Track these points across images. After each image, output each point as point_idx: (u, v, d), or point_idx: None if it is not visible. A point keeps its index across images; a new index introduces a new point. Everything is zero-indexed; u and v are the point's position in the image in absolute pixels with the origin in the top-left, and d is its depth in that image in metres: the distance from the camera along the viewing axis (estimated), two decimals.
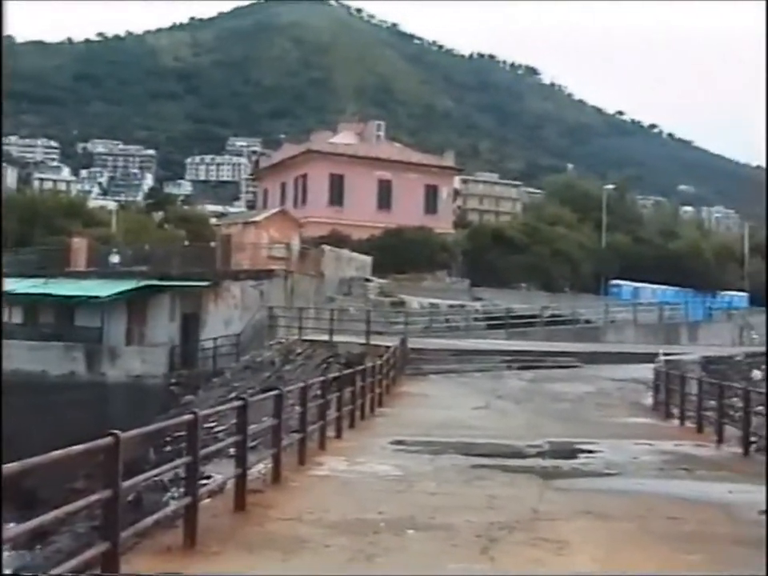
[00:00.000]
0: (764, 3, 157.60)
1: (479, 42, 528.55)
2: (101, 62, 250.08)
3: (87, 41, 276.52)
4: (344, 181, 73.08)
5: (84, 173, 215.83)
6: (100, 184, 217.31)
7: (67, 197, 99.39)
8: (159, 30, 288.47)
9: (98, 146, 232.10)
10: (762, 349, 42.42)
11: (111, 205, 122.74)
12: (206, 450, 10.21)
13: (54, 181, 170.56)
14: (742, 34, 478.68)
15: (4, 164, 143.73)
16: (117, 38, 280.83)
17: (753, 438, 17.43)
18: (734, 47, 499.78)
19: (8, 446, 21.42)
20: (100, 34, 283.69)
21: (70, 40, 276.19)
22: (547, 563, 8.81)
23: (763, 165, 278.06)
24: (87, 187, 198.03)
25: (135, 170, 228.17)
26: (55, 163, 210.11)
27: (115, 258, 52.87)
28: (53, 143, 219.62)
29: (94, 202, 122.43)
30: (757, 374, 33.15)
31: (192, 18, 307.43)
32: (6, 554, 6.41)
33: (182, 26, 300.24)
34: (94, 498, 7.09)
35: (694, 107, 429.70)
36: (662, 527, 10.53)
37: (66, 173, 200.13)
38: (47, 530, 15.87)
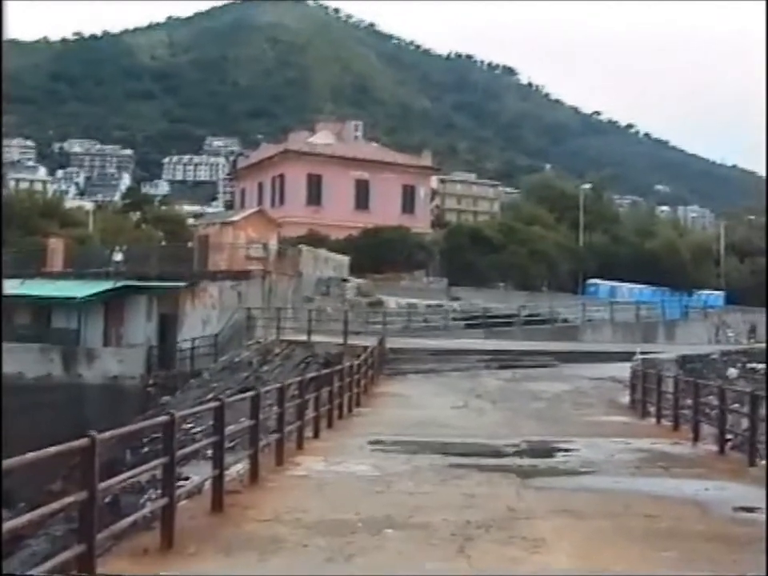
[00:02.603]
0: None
1: (457, 41, 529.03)
2: (77, 61, 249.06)
3: (63, 40, 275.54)
4: (321, 181, 73.09)
5: (60, 173, 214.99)
6: (77, 184, 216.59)
7: (43, 197, 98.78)
8: (136, 30, 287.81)
9: (75, 146, 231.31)
10: (738, 347, 42.78)
11: (88, 205, 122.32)
12: (183, 450, 10.21)
13: (30, 181, 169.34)
14: (719, 33, 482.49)
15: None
16: (93, 37, 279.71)
17: (728, 436, 17.55)
18: (711, 47, 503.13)
19: None
20: (76, 34, 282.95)
21: (46, 39, 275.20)
22: (524, 561, 8.85)
23: (739, 165, 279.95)
24: (64, 187, 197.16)
25: (112, 170, 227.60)
26: (31, 163, 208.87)
27: (118, 257, 52.45)
28: (29, 143, 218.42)
29: (70, 203, 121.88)
30: (732, 372, 33.35)
31: (169, 18, 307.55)
32: None
33: (158, 26, 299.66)
34: (69, 499, 7.07)
35: (671, 107, 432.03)
36: (638, 525, 10.59)
37: (42, 173, 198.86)
38: (22, 533, 15.77)
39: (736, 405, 19.21)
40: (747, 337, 60.39)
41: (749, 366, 34.76)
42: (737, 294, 73.38)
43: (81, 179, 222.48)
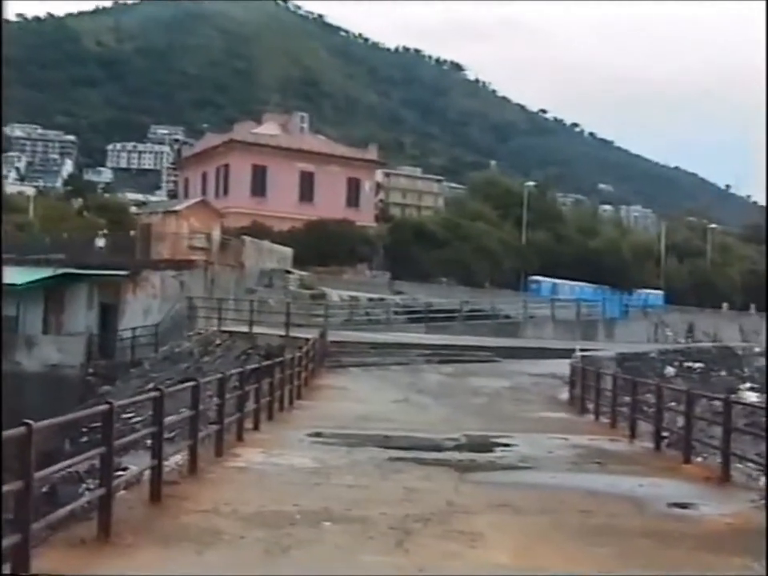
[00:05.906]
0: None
1: (404, 36, 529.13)
2: (20, 44, 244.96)
3: (5, 21, 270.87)
4: (266, 172, 72.85)
5: None
6: (17, 169, 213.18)
7: None
8: (81, 14, 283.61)
9: (16, 130, 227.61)
10: (676, 346, 43.44)
11: (29, 191, 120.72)
12: (121, 440, 10.12)
13: None
14: (666, 31, 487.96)
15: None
16: (37, 19, 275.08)
17: (664, 434, 17.81)
18: (659, 46, 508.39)
19: None
20: (19, 15, 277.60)
21: None
22: (462, 556, 8.92)
23: (682, 167, 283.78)
24: (4, 172, 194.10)
25: (55, 156, 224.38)
26: None
27: (101, 242, 51.69)
28: None
29: (10, 188, 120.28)
30: (670, 371, 33.91)
31: (116, 3, 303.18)
32: None
33: (105, 11, 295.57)
34: (5, 488, 6.98)
35: (616, 107, 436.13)
36: (573, 520, 10.71)
37: None
38: None
39: (673, 403, 19.47)
40: (685, 336, 61.35)
41: (686, 364, 35.42)
42: (676, 294, 74.50)
43: (22, 164, 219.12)
